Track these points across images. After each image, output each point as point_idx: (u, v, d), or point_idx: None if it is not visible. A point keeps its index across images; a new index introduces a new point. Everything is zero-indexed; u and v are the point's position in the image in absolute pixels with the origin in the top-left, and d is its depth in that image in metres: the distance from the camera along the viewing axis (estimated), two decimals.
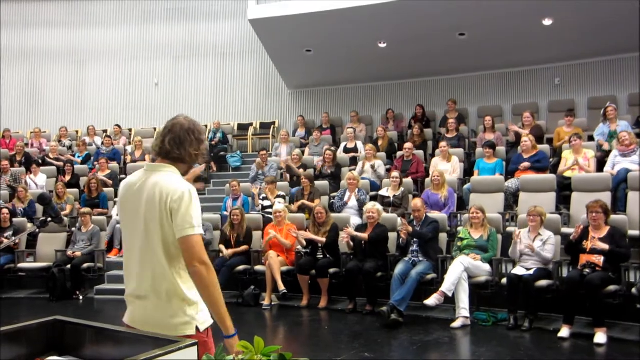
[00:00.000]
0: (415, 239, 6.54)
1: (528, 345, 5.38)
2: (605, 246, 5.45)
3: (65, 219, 8.50)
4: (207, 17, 13.39)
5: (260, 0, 10.40)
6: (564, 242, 6.04)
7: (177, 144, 2.26)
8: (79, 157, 11.40)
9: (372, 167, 8.84)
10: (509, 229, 6.88)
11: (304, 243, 7.26)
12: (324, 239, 7.09)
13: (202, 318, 2.23)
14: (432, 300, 6.00)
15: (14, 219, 8.76)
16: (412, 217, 6.94)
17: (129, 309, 2.30)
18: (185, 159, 2.29)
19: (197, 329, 2.19)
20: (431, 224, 6.62)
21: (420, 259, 6.44)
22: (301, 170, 9.18)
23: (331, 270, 6.98)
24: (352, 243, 6.92)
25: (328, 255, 7.11)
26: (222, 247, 7.64)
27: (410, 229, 6.47)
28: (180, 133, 2.27)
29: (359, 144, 10.12)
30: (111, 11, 13.88)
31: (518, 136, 8.61)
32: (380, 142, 10.04)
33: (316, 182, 8.67)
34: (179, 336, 2.04)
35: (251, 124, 12.73)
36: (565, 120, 8.92)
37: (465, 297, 5.99)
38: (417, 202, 6.86)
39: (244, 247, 7.60)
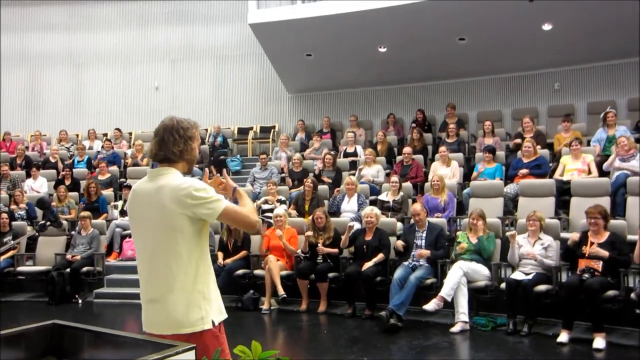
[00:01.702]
0: (418, 244, 6.56)
1: (527, 350, 5.38)
2: (605, 253, 5.44)
3: (65, 222, 8.51)
4: (207, 21, 13.42)
5: (261, 5, 10.42)
6: (563, 247, 6.04)
7: (160, 146, 2.32)
8: (79, 161, 11.38)
9: (372, 175, 8.88)
10: (508, 233, 6.89)
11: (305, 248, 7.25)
12: (336, 250, 7.09)
13: (216, 312, 2.28)
14: (431, 305, 6.00)
15: (13, 223, 8.75)
16: (411, 221, 6.94)
17: (143, 314, 2.33)
18: (173, 159, 2.33)
19: (212, 323, 2.24)
20: (440, 235, 6.61)
21: (421, 263, 6.45)
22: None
23: (330, 275, 6.98)
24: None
25: (328, 260, 7.11)
26: (219, 255, 7.56)
27: (427, 253, 6.42)
28: (163, 134, 2.33)
29: (359, 149, 10.14)
30: (111, 15, 13.91)
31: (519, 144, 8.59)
32: (379, 147, 10.05)
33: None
34: (196, 332, 2.17)
35: (251, 128, 12.74)
36: (563, 125, 8.93)
37: (465, 302, 5.99)
38: (416, 207, 6.84)
39: (242, 253, 7.59)
